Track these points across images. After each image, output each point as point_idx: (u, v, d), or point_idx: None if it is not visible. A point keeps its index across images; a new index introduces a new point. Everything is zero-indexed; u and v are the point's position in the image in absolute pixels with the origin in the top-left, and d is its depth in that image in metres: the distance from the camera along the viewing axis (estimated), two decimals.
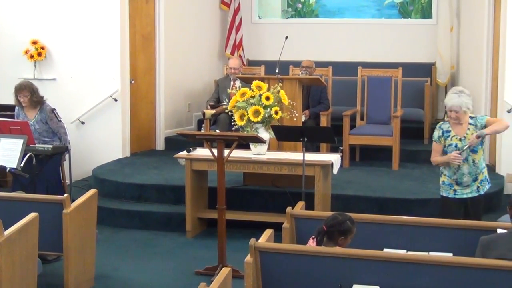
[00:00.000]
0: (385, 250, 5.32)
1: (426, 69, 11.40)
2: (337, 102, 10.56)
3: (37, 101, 8.30)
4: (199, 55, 11.61)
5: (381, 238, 5.61)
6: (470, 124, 6.59)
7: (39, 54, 10.10)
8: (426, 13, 11.75)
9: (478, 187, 6.66)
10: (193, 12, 11.44)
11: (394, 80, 10.15)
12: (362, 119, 10.24)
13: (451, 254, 5.26)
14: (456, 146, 6.56)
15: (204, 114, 9.92)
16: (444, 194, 6.74)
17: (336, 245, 5.20)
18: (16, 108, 8.46)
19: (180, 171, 8.42)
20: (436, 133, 6.72)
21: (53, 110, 8.31)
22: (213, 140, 7.08)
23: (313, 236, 5.29)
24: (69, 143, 8.35)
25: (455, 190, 6.67)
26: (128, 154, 10.22)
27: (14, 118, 8.56)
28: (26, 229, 5.67)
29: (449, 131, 6.63)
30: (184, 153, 8.07)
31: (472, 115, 6.66)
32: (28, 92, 8.22)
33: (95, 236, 6.76)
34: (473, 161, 6.58)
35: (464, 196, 6.65)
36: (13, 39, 10.26)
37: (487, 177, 6.76)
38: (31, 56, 10.10)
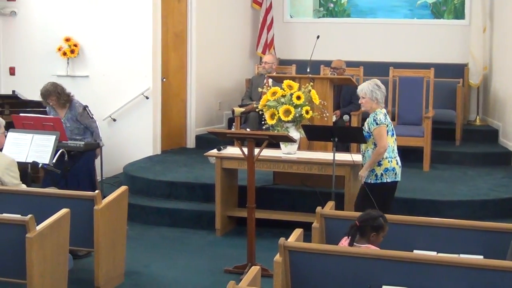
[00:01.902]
0: (415, 251, 5.29)
1: (458, 70, 11.32)
2: None
3: (65, 101, 8.37)
4: (231, 53, 11.62)
5: (411, 239, 5.59)
6: (369, 117, 6.95)
7: (72, 51, 10.18)
8: (458, 13, 11.67)
9: (369, 175, 6.95)
10: (225, 10, 11.46)
11: (426, 81, 10.10)
12: (393, 119, 10.17)
13: (481, 257, 5.22)
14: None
15: (233, 111, 9.94)
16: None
17: (368, 242, 5.20)
18: (47, 107, 8.55)
19: (210, 169, 8.44)
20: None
21: (85, 107, 8.36)
22: (244, 139, 7.09)
23: (346, 235, 5.30)
24: (101, 140, 8.40)
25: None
26: (159, 152, 10.27)
27: (47, 115, 8.64)
28: (57, 225, 5.72)
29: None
30: (214, 151, 8.09)
31: (378, 111, 6.96)
32: (55, 97, 8.30)
33: (125, 232, 6.81)
34: (362, 151, 7.10)
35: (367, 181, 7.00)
36: (46, 36, 10.36)
37: (376, 172, 6.93)
38: (64, 53, 10.19)
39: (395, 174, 6.99)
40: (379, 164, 6.92)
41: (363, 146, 7.07)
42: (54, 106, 8.38)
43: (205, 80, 11.03)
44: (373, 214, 5.29)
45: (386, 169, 6.94)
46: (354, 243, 5.23)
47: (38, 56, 10.48)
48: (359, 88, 7.05)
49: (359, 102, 7.08)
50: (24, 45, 10.58)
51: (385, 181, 6.95)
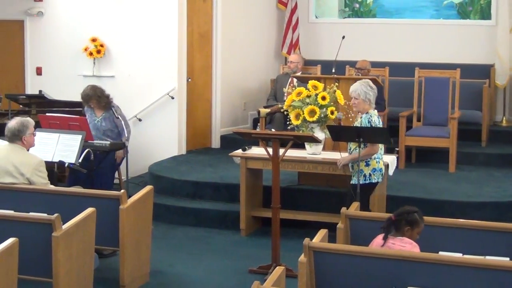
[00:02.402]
0: (441, 253, 5.27)
1: (485, 71, 11.23)
2: (394, 103, 10.48)
3: (106, 103, 8.48)
4: (256, 54, 11.63)
5: (436, 240, 5.56)
6: (361, 117, 7.04)
7: (98, 52, 10.24)
8: (485, 14, 11.59)
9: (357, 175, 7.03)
10: (250, 11, 11.47)
11: (452, 81, 10.04)
12: (418, 120, 10.15)
13: (507, 259, 5.19)
14: None
15: (259, 112, 9.94)
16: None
17: (402, 236, 5.20)
18: (85, 107, 8.66)
19: (235, 169, 8.45)
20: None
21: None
22: (269, 139, 7.09)
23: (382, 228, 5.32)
24: (127, 140, 8.46)
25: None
26: (184, 152, 10.30)
27: (73, 114, 8.72)
28: (83, 224, 5.76)
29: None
30: (239, 151, 8.10)
31: (369, 111, 7.06)
32: (95, 100, 8.45)
33: (150, 232, 6.83)
34: (349, 149, 7.15)
35: (352, 182, 7.13)
36: (73, 36, 10.43)
37: (364, 172, 7.04)
38: (91, 54, 10.25)
39: (381, 174, 7.14)
40: (367, 164, 7.04)
41: (351, 144, 7.16)
42: (94, 108, 8.48)
43: (230, 80, 11.04)
44: (409, 209, 5.34)
45: (374, 169, 7.07)
46: (389, 236, 5.22)
47: (64, 56, 10.55)
48: (352, 88, 7.09)
49: (351, 103, 7.12)
50: (50, 45, 10.66)
51: (373, 181, 7.11)
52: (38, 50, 10.76)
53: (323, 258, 4.98)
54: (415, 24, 11.83)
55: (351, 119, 8.31)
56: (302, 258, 4.98)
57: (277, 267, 4.65)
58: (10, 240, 4.97)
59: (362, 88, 7.01)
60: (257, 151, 8.04)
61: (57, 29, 10.60)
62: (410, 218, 5.27)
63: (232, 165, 8.67)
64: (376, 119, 7.05)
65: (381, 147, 7.10)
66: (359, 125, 7.04)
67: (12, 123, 6.58)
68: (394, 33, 11.84)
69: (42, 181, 6.52)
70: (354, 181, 7.07)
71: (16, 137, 6.52)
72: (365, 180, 7.06)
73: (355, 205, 6.27)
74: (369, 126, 6.98)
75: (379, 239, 5.31)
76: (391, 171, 7.78)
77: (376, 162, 7.06)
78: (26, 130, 6.55)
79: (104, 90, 8.58)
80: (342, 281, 4.96)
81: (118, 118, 8.44)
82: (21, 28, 10.80)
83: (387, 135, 7.04)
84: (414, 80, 10.26)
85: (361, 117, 7.10)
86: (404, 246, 5.18)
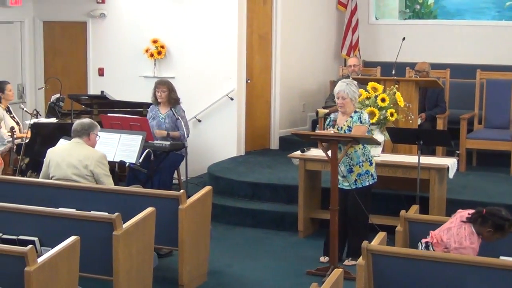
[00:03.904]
0: (501, 257, 5.20)
1: None
2: (454, 105, 10.36)
3: (173, 99, 8.59)
4: (315, 55, 11.61)
5: (497, 245, 5.48)
6: (351, 116, 6.98)
7: (159, 53, 10.35)
8: None
9: (356, 180, 6.97)
10: (310, 12, 11.45)
11: None
12: (480, 122, 10.02)
13: None
14: None
15: (317, 113, 9.93)
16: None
17: (481, 234, 5.15)
18: (152, 105, 8.76)
19: (294, 170, 8.45)
20: (326, 122, 7.19)
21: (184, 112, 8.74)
22: (327, 141, 7.08)
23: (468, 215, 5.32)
24: (186, 141, 8.53)
25: (339, 181, 6.96)
26: (242, 153, 10.34)
27: (134, 115, 8.84)
28: (143, 223, 5.84)
29: (335, 120, 7.10)
30: (298, 153, 8.10)
31: (358, 110, 7.02)
32: (166, 88, 8.61)
33: (209, 232, 6.88)
34: (347, 152, 6.87)
35: (344, 187, 7.01)
36: (134, 38, 10.56)
37: (371, 172, 7.04)
38: (151, 55, 10.37)
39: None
40: (371, 164, 7.07)
41: (350, 148, 7.00)
42: (161, 100, 8.61)
43: (289, 81, 11.04)
44: (503, 215, 5.27)
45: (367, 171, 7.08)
46: (471, 224, 5.19)
47: (126, 57, 10.69)
48: (339, 88, 6.97)
49: (338, 103, 7.00)
50: (112, 47, 10.82)
51: (376, 179, 7.16)
52: (100, 51, 10.92)
53: (381, 261, 4.96)
54: (476, 25, 11.67)
55: (411, 121, 8.27)
56: (360, 260, 4.97)
57: (335, 270, 4.64)
58: (72, 238, 5.06)
59: (350, 88, 6.95)
60: (315, 152, 8.03)
61: (119, 30, 10.75)
62: (498, 223, 5.19)
63: (290, 166, 8.67)
64: (367, 117, 7.04)
65: (369, 149, 7.08)
66: (348, 126, 6.97)
67: (83, 120, 6.85)
68: (455, 34, 11.69)
69: (104, 173, 6.69)
70: (364, 183, 7.05)
71: (85, 131, 6.74)
72: (373, 179, 7.11)
73: (414, 208, 6.22)
74: (359, 123, 6.93)
75: (459, 215, 5.29)
76: (451, 174, 7.71)
77: (369, 164, 7.08)
78: (95, 128, 6.82)
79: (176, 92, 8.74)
80: (400, 284, 4.94)
81: (178, 119, 8.52)
82: (84, 30, 10.98)
83: (448, 137, 6.97)
84: (476, 82, 10.13)
85: (350, 117, 7.00)
86: (461, 242, 5.14)
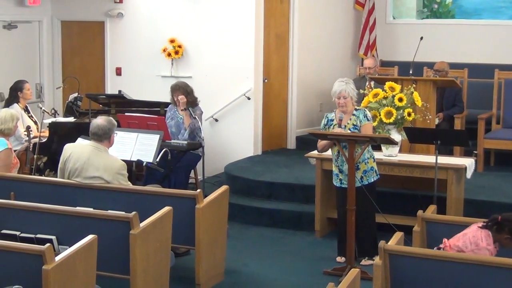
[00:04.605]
0: None
1: None
2: (472, 104, 10.31)
3: (191, 102, 8.60)
4: (332, 55, 11.59)
5: None
6: (354, 115, 7.01)
7: (176, 52, 10.37)
8: None
9: (361, 177, 6.97)
10: (327, 12, 11.44)
11: None
12: (498, 122, 9.97)
13: None
14: None
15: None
16: (334, 184, 7.19)
17: (500, 242, 5.12)
18: (170, 105, 8.79)
19: (311, 170, 8.44)
20: (322, 122, 7.18)
21: (201, 113, 8.73)
22: (344, 141, 7.07)
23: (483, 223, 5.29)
24: (203, 140, 8.54)
25: (341, 180, 7.06)
26: (259, 152, 10.34)
27: (152, 114, 8.86)
28: (160, 222, 5.85)
29: (333, 120, 7.12)
30: (315, 152, 8.08)
31: (358, 107, 7.08)
32: (182, 93, 8.54)
33: (226, 231, 6.89)
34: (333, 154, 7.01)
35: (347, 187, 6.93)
36: (152, 37, 10.59)
37: (375, 169, 7.07)
38: (169, 54, 10.39)
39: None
40: (367, 163, 7.04)
41: (334, 150, 7.06)
42: (182, 107, 8.59)
43: (306, 81, 11.04)
44: None
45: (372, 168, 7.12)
46: (488, 231, 5.18)
47: (143, 56, 10.72)
48: (340, 88, 6.99)
49: (339, 103, 7.00)
50: (130, 46, 10.85)
51: (379, 176, 7.20)
52: (118, 51, 10.96)
53: (398, 261, 4.95)
54: (494, 25, 11.62)
55: (428, 121, 8.24)
56: (377, 260, 4.96)
57: (352, 269, 4.63)
58: (90, 237, 5.09)
59: (350, 87, 6.99)
60: None
61: (137, 30, 10.78)
62: None
63: (307, 166, 8.67)
64: (369, 114, 7.13)
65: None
66: (352, 124, 6.98)
67: (100, 121, 6.56)
68: (473, 34, 11.65)
69: (122, 184, 6.55)
70: (369, 179, 7.07)
71: (106, 135, 6.53)
72: (377, 176, 7.15)
73: (432, 208, 6.20)
74: (366, 121, 6.98)
75: (474, 227, 5.27)
76: (469, 174, 7.68)
77: (373, 161, 7.13)
78: (114, 128, 6.64)
79: (193, 90, 8.72)
80: (417, 285, 4.92)
81: (195, 118, 8.53)
82: (102, 29, 11.02)
83: (465, 137, 6.94)
84: (494, 82, 10.08)
85: (353, 115, 7.02)
86: (478, 243, 5.12)
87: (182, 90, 8.59)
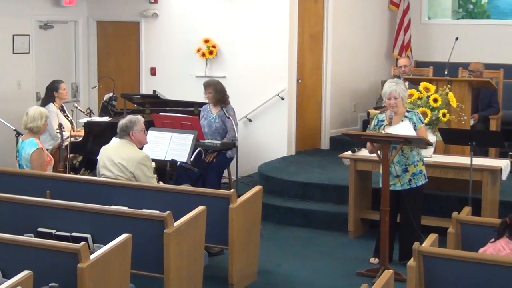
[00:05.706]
0: None
1: None
2: (508, 105, 10.23)
3: (219, 100, 8.63)
4: (366, 55, 11.56)
5: None
6: (406, 116, 6.90)
7: (211, 53, 10.40)
8: None
9: (410, 180, 6.89)
10: (362, 12, 11.41)
11: None
12: None
13: None
14: None
15: (368, 113, 9.88)
16: (379, 185, 6.95)
17: None
18: (204, 105, 8.86)
19: (344, 171, 8.43)
20: (373, 123, 7.06)
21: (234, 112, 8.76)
22: (378, 141, 7.05)
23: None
24: (237, 140, 8.56)
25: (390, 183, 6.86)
26: (293, 152, 10.34)
27: (186, 114, 8.91)
28: (194, 222, 5.87)
29: (383, 121, 6.97)
30: (348, 153, 8.08)
31: (409, 109, 6.97)
32: (212, 90, 8.61)
33: (259, 231, 6.90)
34: (402, 151, 6.81)
35: (397, 188, 6.90)
36: (186, 37, 10.63)
37: (424, 172, 6.96)
38: (203, 54, 10.42)
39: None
40: (416, 165, 6.96)
41: (405, 147, 6.87)
42: (209, 101, 8.63)
43: (340, 81, 11.01)
44: None
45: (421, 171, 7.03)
46: (501, 239, 5.12)
47: (178, 56, 10.77)
48: (390, 88, 6.88)
49: (390, 104, 6.87)
50: (165, 46, 10.90)
51: (427, 179, 7.15)
52: (152, 51, 11.02)
53: (432, 263, 4.92)
54: None
55: (463, 122, 8.18)
56: (411, 262, 4.94)
57: (386, 271, 4.62)
58: (124, 236, 5.13)
59: (400, 87, 6.90)
60: (366, 153, 7.97)
61: (171, 30, 10.83)
62: None
63: (341, 166, 8.65)
64: (422, 116, 7.06)
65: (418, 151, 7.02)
66: (406, 126, 6.85)
67: (122, 120, 6.88)
68: (509, 34, 11.54)
69: (144, 175, 6.71)
70: (418, 182, 6.99)
71: (124, 132, 6.80)
72: (425, 179, 7.07)
73: (467, 209, 6.16)
74: (420, 123, 6.91)
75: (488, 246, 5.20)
76: (504, 176, 7.61)
77: (422, 164, 7.04)
78: (133, 126, 6.79)
79: (225, 89, 8.76)
80: (451, 286, 4.89)
81: (229, 118, 8.55)
82: (137, 29, 11.09)
83: (501, 138, 6.89)
84: None
85: (405, 116, 6.92)
86: (498, 251, 5.07)
87: (213, 86, 8.66)
